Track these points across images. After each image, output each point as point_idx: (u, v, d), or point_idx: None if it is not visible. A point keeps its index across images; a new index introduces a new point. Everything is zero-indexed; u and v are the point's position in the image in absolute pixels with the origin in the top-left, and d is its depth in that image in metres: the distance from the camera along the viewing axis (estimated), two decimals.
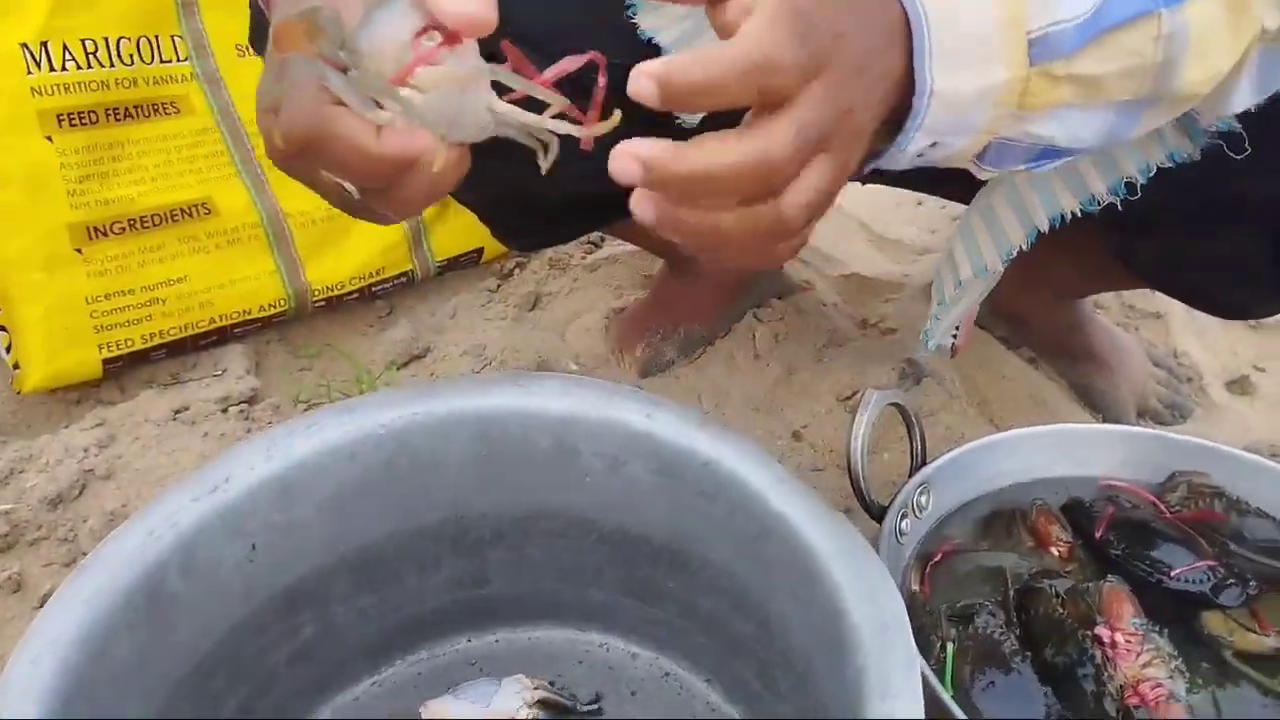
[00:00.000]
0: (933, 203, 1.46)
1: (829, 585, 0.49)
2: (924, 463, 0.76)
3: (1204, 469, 0.78)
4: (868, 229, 1.42)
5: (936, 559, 0.72)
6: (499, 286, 1.22)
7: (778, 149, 0.40)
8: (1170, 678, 0.61)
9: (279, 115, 0.43)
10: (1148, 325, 1.18)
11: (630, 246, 1.25)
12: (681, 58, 0.39)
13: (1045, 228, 0.71)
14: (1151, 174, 0.66)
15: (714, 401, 1.05)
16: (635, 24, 0.66)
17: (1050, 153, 0.53)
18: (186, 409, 0.98)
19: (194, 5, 1.04)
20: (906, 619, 0.47)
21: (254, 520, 0.57)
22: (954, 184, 0.66)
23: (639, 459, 0.61)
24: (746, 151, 0.40)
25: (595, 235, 1.29)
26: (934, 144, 0.48)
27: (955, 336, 0.86)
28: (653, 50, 0.65)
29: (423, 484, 0.62)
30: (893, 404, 0.73)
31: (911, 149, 0.48)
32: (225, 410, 0.98)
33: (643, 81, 0.39)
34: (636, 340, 1.12)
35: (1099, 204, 0.68)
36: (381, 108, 0.42)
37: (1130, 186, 0.66)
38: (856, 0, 0.44)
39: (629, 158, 0.40)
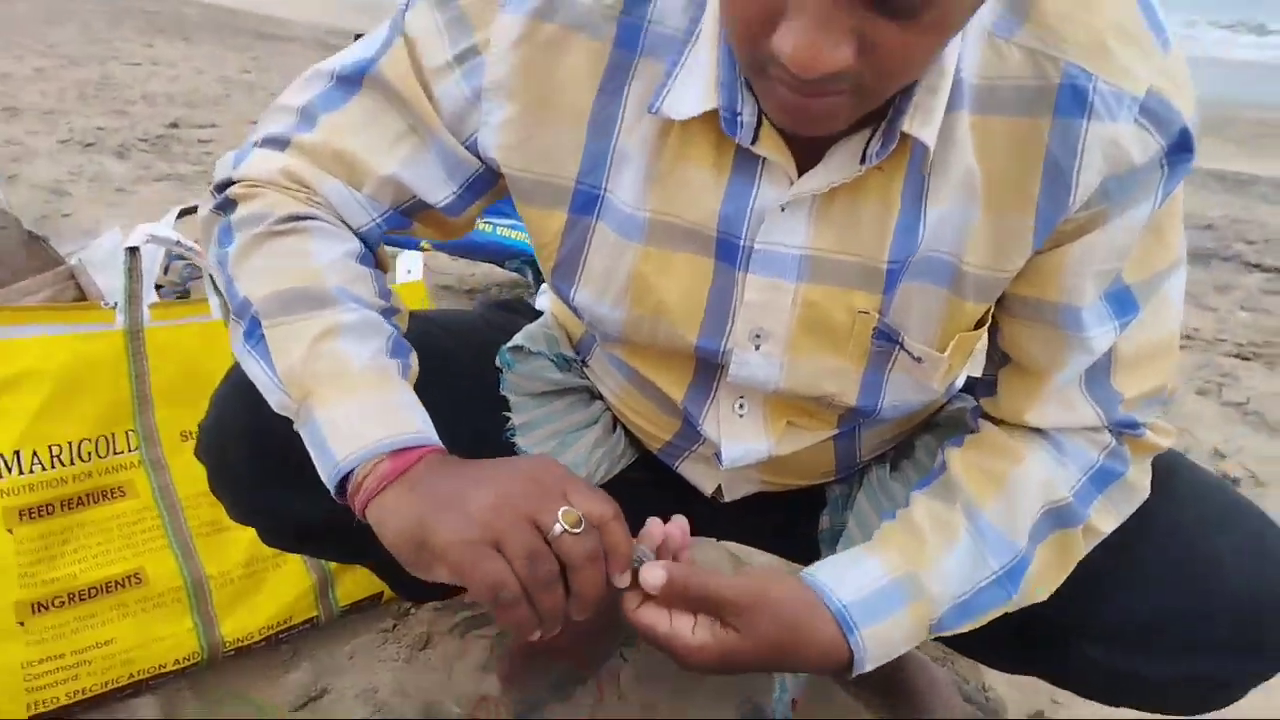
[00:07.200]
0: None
1: None
2: None
3: None
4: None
5: None
6: (394, 626, 1.36)
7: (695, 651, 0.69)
8: None
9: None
10: (960, 661, 1.35)
11: None
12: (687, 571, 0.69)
13: None
14: None
15: None
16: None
17: None
18: None
19: (149, 402, 1.19)
20: None
21: None
22: None
23: None
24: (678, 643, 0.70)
25: None
26: None
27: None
28: None
29: None
30: None
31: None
32: None
33: (657, 572, 0.69)
34: (513, 679, 1.26)
35: None
36: None
37: None
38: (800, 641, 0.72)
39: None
